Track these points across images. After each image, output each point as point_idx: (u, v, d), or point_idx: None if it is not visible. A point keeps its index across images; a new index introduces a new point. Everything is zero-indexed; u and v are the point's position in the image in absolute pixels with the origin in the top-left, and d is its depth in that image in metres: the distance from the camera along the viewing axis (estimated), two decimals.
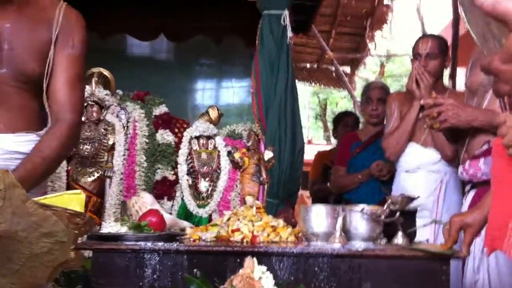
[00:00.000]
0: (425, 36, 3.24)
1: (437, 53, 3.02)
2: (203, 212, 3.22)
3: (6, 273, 1.36)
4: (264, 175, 2.30)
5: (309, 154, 4.90)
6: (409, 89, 3.03)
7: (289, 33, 3.23)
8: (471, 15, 1.30)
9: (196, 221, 3.17)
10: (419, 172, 3.01)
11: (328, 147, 7.99)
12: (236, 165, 2.32)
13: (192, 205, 3.21)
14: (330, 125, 14.95)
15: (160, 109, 3.40)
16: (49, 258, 1.40)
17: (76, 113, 1.77)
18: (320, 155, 4.75)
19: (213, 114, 3.40)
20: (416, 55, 3.06)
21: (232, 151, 2.35)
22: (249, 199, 2.24)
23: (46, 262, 1.40)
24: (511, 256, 1.24)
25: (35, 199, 1.55)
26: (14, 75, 1.71)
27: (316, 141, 14.28)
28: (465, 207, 2.51)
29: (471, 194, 2.53)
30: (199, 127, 3.30)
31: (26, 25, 1.73)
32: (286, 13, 3.25)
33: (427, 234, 2.52)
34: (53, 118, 1.74)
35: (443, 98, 2.93)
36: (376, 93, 3.72)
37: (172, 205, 3.28)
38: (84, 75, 1.89)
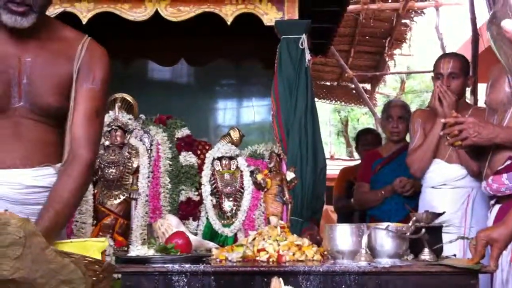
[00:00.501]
0: (446, 55, 3.22)
1: (459, 72, 3.01)
2: (228, 231, 3.25)
3: None
4: (287, 195, 2.31)
5: (332, 169, 4.93)
6: (433, 107, 3.03)
7: (308, 56, 3.26)
8: (499, 44, 1.32)
9: (222, 240, 3.19)
10: (445, 188, 3.00)
11: (351, 163, 7.96)
12: (259, 187, 2.34)
13: (217, 225, 3.25)
14: (351, 141, 14.94)
15: (182, 132, 3.46)
16: None
17: (91, 152, 1.76)
18: (345, 171, 4.76)
19: (235, 135, 3.44)
20: (438, 74, 3.05)
21: (255, 173, 2.37)
22: (273, 219, 2.25)
23: None
24: None
25: (63, 241, 1.59)
26: (32, 109, 1.73)
27: (338, 156, 14.26)
28: (490, 222, 2.50)
29: (496, 208, 2.52)
30: (221, 148, 3.34)
31: (47, 60, 1.75)
32: (304, 37, 3.29)
33: (455, 250, 2.50)
34: (69, 153, 1.75)
35: (464, 116, 2.94)
36: (396, 111, 3.74)
37: (198, 225, 3.31)
38: (103, 111, 1.89)
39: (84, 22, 3.28)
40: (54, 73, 1.75)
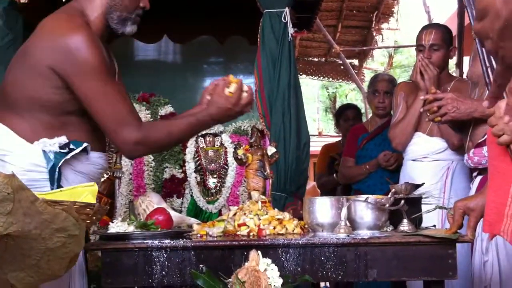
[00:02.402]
0: (428, 26, 3.20)
1: (441, 43, 3.00)
2: (212, 208, 3.26)
3: (24, 267, 1.44)
4: (268, 170, 2.31)
5: (320, 146, 4.94)
6: (414, 81, 3.03)
7: (290, 30, 3.23)
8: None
9: (206, 217, 3.21)
10: (426, 160, 3.02)
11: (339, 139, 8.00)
12: (240, 162, 2.34)
13: (201, 202, 3.26)
14: None
15: (166, 109, 3.45)
16: (64, 251, 1.48)
17: None
18: (326, 148, 4.77)
19: None
20: (419, 46, 3.04)
21: (236, 148, 2.37)
22: (254, 194, 2.25)
23: (61, 255, 1.48)
24: (508, 240, 1.26)
25: (53, 191, 1.65)
26: None
27: (326, 133, 14.29)
28: (472, 193, 2.53)
29: (478, 179, 2.55)
30: None
31: None
32: (286, 10, 3.26)
33: (434, 221, 2.53)
34: None
35: (446, 89, 2.95)
36: (383, 86, 3.73)
37: (182, 202, 3.32)
38: None
39: (64, 0, 3.23)
40: None
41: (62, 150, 1.91)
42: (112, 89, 1.97)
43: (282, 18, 3.25)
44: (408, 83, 3.43)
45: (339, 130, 4.91)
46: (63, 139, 1.93)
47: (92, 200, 1.63)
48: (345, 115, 4.63)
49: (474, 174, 2.63)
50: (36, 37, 1.98)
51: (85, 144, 1.97)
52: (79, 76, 1.91)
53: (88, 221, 1.59)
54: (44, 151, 1.90)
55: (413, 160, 3.06)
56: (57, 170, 1.89)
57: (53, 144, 1.90)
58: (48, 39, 1.94)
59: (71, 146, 1.93)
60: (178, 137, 2.13)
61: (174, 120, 2.26)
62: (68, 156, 1.92)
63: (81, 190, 1.66)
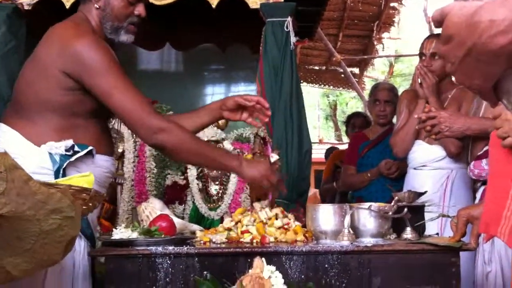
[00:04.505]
0: (430, 36, 3.22)
1: None
2: (214, 215, 3.26)
3: (19, 252, 1.40)
4: None
5: (321, 153, 4.96)
6: (414, 89, 3.06)
7: (293, 39, 3.24)
8: None
9: (208, 223, 3.20)
10: (426, 169, 3.03)
11: (339, 147, 8.04)
12: None
13: (203, 208, 3.25)
14: (340, 125, 14.93)
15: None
16: (60, 234, 1.44)
17: None
18: (335, 155, 4.81)
19: None
20: (421, 55, 3.06)
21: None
22: (256, 205, 2.25)
23: (57, 238, 1.44)
24: (505, 241, 1.27)
25: (49, 181, 1.63)
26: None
27: (327, 140, 14.32)
28: (476, 202, 2.54)
29: (482, 189, 2.56)
30: (207, 132, 3.33)
31: None
32: (289, 20, 3.28)
33: (434, 229, 2.53)
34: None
35: (447, 96, 2.96)
36: (383, 95, 3.75)
37: (184, 209, 3.32)
38: None
39: (67, 7, 3.24)
40: None
41: (67, 153, 1.92)
42: (129, 82, 2.03)
43: (285, 27, 3.26)
44: (411, 91, 3.44)
45: (348, 138, 4.94)
46: (69, 142, 1.95)
47: (88, 187, 1.62)
48: (352, 123, 4.67)
49: (478, 184, 2.64)
50: (46, 43, 2.05)
51: (90, 147, 1.99)
52: (92, 74, 1.96)
53: (84, 207, 1.56)
54: (50, 154, 1.92)
55: (415, 169, 3.07)
56: (61, 172, 1.90)
57: (59, 147, 1.92)
58: (57, 44, 2.00)
59: (76, 149, 1.95)
60: (199, 151, 2.07)
61: (205, 141, 2.39)
62: (73, 159, 1.94)
63: (77, 180, 1.65)
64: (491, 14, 0.82)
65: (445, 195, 2.92)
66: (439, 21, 0.89)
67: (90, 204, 1.56)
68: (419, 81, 2.97)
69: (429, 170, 3.02)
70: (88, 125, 2.06)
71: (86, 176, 1.65)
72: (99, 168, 2.05)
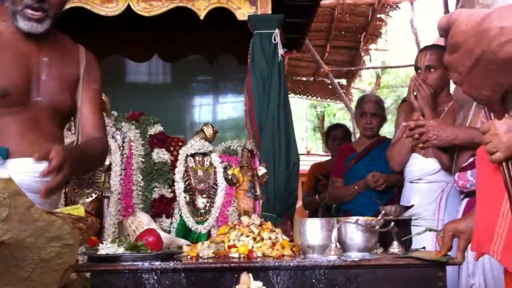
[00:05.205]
0: (425, 48, 3.15)
1: (437, 64, 2.91)
2: (201, 228, 3.24)
3: (15, 281, 1.38)
4: (258, 191, 2.31)
5: (308, 165, 4.95)
6: (409, 101, 3.02)
7: (280, 51, 3.26)
8: None
9: (195, 237, 3.18)
10: (421, 182, 3.01)
11: (327, 158, 8.05)
12: (230, 182, 2.34)
13: (190, 222, 3.23)
14: None
15: (155, 129, 3.44)
16: (58, 262, 1.43)
17: (105, 135, 2.05)
18: (314, 167, 4.78)
19: (208, 131, 3.43)
20: (416, 68, 3.03)
21: (226, 169, 2.37)
22: (244, 219, 2.24)
23: (55, 266, 1.43)
24: (498, 259, 1.26)
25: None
26: (48, 104, 1.88)
27: (315, 152, 14.33)
28: (459, 215, 2.54)
29: (465, 202, 2.57)
30: (194, 145, 3.33)
31: (59, 61, 1.93)
32: (277, 32, 3.29)
33: (427, 243, 2.52)
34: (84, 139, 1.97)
35: (443, 109, 2.95)
36: (370, 107, 3.75)
37: (171, 223, 3.30)
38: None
39: None
40: (65, 74, 1.95)
41: None
42: None
43: (272, 39, 3.28)
44: (409, 104, 3.42)
45: (328, 150, 4.93)
46: None
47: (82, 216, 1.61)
48: (333, 135, 4.65)
49: (462, 196, 2.65)
50: None
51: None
52: None
53: (80, 237, 1.56)
54: None
55: (411, 182, 3.05)
56: None
57: None
58: None
59: None
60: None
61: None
62: None
63: (67, 212, 1.63)
64: (500, 21, 0.78)
65: (440, 208, 2.91)
66: (445, 29, 0.84)
67: (86, 235, 1.55)
68: (414, 93, 2.94)
69: (424, 183, 3.00)
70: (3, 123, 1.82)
71: (77, 209, 1.64)
72: (17, 171, 1.74)
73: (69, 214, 1.51)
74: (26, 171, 1.75)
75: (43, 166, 1.71)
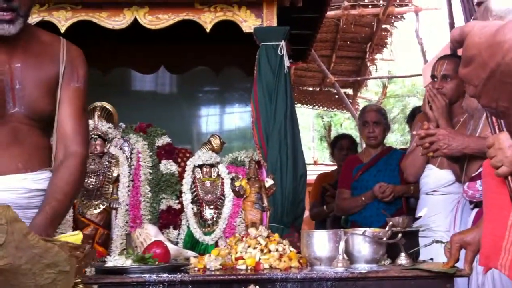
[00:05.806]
0: (442, 57, 3.12)
1: (453, 74, 2.87)
2: (209, 240, 3.24)
3: None
4: (265, 202, 2.32)
5: (315, 175, 4.95)
6: (423, 111, 2.99)
7: (286, 63, 3.28)
8: None
9: (203, 248, 3.19)
10: (436, 194, 2.99)
11: (334, 168, 8.04)
12: (237, 194, 2.34)
13: (198, 233, 3.24)
14: None
15: (163, 140, 3.46)
16: None
17: (84, 147, 1.80)
18: (321, 177, 4.78)
19: (215, 142, 3.45)
20: (432, 77, 3.00)
21: (234, 180, 2.38)
22: (252, 231, 2.24)
23: None
24: (506, 274, 1.26)
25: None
26: (27, 114, 1.74)
27: (321, 161, 14.30)
28: (469, 226, 2.53)
29: (474, 212, 2.56)
30: (202, 156, 3.35)
31: (34, 64, 1.76)
32: (283, 43, 3.31)
33: (439, 255, 2.50)
34: (61, 151, 1.77)
35: (459, 120, 2.93)
36: (371, 116, 3.75)
37: (179, 234, 3.30)
38: (87, 107, 1.91)
39: (62, 31, 3.27)
40: (43, 77, 1.76)
41: None
42: None
43: (278, 51, 3.30)
44: (425, 114, 3.38)
45: (334, 160, 4.93)
46: None
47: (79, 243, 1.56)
48: (339, 145, 4.65)
49: (471, 207, 2.63)
50: None
51: None
52: None
53: (77, 265, 1.54)
54: None
55: (426, 194, 3.03)
56: None
57: None
58: None
59: None
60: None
61: None
62: None
63: (66, 239, 1.60)
64: None
65: (456, 220, 2.88)
66: (458, 41, 0.83)
67: (83, 263, 1.53)
68: (429, 104, 2.91)
69: (439, 195, 2.98)
70: None
71: (76, 235, 1.63)
72: (9, 192, 1.69)
73: (66, 242, 1.49)
74: (10, 189, 1.68)
75: (27, 181, 1.69)
